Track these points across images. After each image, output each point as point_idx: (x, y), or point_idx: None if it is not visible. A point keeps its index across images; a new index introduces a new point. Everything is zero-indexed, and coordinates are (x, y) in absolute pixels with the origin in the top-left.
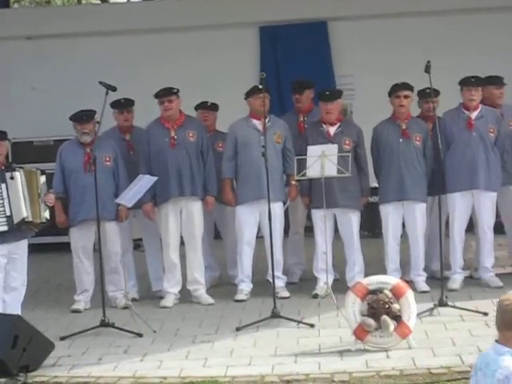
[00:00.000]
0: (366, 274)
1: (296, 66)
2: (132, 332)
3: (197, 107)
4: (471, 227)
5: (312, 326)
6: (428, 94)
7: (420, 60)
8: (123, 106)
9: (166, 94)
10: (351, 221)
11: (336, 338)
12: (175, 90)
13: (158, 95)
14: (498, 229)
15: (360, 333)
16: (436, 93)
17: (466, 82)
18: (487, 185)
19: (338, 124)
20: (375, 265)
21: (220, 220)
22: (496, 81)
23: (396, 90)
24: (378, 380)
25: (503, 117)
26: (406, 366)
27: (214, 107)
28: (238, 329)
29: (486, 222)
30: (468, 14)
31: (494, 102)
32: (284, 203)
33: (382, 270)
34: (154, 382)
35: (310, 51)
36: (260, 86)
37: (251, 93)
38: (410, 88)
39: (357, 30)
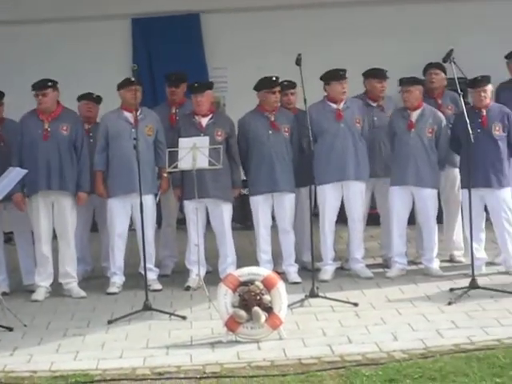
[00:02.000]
0: (239, 266)
1: (169, 59)
2: (2, 326)
3: (80, 98)
4: (344, 218)
5: (184, 318)
6: (287, 86)
7: (292, 53)
8: None
9: (39, 88)
10: (223, 212)
11: (208, 329)
12: (50, 83)
13: (33, 87)
14: (371, 220)
15: (231, 324)
16: (293, 85)
17: (334, 77)
18: (356, 175)
19: (210, 116)
20: (247, 257)
21: (99, 212)
22: (378, 74)
23: (266, 84)
24: (249, 371)
25: (384, 109)
26: (277, 356)
27: (98, 100)
28: (109, 322)
29: (355, 213)
30: (335, 7)
31: (376, 95)
32: (156, 195)
33: (255, 262)
34: (24, 377)
35: (183, 43)
36: (132, 79)
37: (123, 85)
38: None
39: (230, 23)
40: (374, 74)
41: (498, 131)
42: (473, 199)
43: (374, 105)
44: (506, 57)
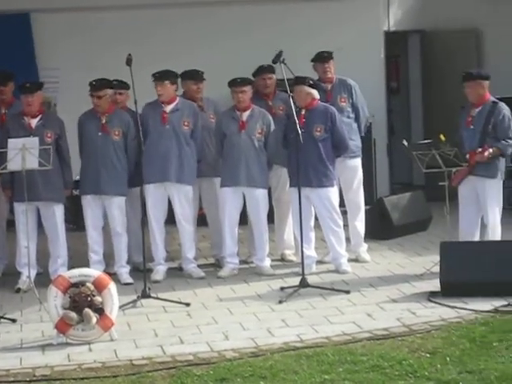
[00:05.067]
0: (71, 267)
1: None
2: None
3: None
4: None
5: (14, 321)
6: (117, 86)
7: (121, 54)
8: None
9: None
10: (55, 214)
11: (38, 332)
12: None
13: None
14: (202, 221)
15: (62, 326)
16: (125, 85)
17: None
18: (179, 178)
19: (40, 116)
20: (80, 258)
21: None
22: (194, 76)
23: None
24: (80, 373)
25: (203, 110)
26: (108, 358)
27: None
28: None
29: (182, 214)
30: (163, 8)
31: (194, 96)
32: None
33: (87, 263)
34: None
35: (12, 43)
36: None
37: None
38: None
39: (61, 23)
40: (190, 76)
41: (319, 132)
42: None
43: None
44: (312, 60)
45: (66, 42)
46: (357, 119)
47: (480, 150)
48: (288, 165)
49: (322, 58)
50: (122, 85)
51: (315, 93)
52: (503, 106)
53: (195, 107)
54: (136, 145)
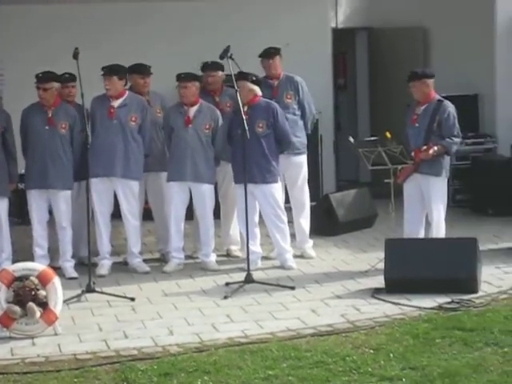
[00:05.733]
0: (15, 261)
1: None
2: None
3: None
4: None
5: None
6: (67, 79)
7: (69, 47)
8: None
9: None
10: None
11: None
12: None
13: None
14: (147, 215)
15: (5, 320)
16: (73, 77)
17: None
18: (125, 173)
19: None
20: (24, 252)
21: None
22: (141, 70)
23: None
24: (23, 367)
25: (150, 104)
26: (52, 352)
27: None
28: None
29: (128, 209)
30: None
31: (140, 91)
32: None
33: (32, 257)
34: None
35: None
36: None
37: None
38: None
39: (6, 14)
40: (137, 70)
41: (261, 128)
42: (244, 194)
43: None
44: (259, 56)
45: (11, 34)
46: (303, 116)
47: (425, 147)
48: (232, 161)
49: (267, 54)
50: (71, 77)
51: (257, 89)
52: (448, 104)
53: (144, 102)
54: (82, 138)
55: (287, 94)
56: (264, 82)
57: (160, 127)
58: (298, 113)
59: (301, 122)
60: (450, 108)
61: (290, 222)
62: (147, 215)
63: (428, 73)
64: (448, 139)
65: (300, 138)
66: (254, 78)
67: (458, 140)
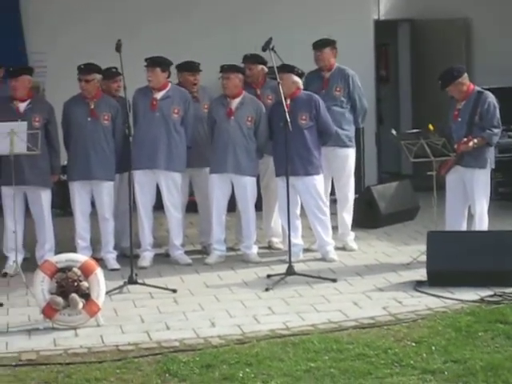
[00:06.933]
0: (58, 253)
1: None
2: None
3: None
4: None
5: (0, 304)
6: (115, 74)
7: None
8: None
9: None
10: (41, 199)
11: (25, 316)
12: None
13: None
14: (191, 207)
15: (48, 311)
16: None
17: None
18: (167, 165)
19: (29, 101)
20: (67, 243)
21: None
22: (191, 67)
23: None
24: (66, 358)
25: (198, 100)
26: (95, 343)
27: None
28: None
29: (170, 201)
30: None
31: (190, 88)
32: None
33: (74, 249)
34: None
35: (2, 27)
36: None
37: None
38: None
39: (50, 7)
40: (187, 67)
41: (304, 120)
42: (285, 187)
43: None
44: (313, 47)
45: (54, 26)
46: (353, 110)
47: (465, 139)
48: (274, 153)
49: (315, 46)
50: (114, 73)
51: (300, 82)
52: (488, 94)
53: (187, 94)
54: (125, 130)
55: (337, 86)
56: (315, 74)
57: (206, 122)
58: (347, 106)
59: (349, 115)
60: (490, 98)
61: (334, 213)
62: (192, 207)
63: (457, 73)
64: (488, 130)
65: (347, 131)
66: (299, 71)
67: (497, 131)
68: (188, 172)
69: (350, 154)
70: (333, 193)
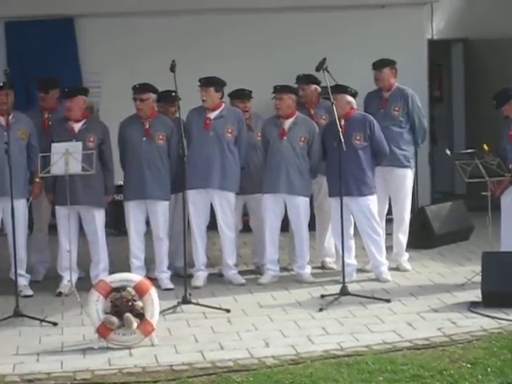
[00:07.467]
0: (111, 272)
1: (42, 63)
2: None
3: None
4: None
5: (55, 324)
6: (174, 98)
7: (163, 59)
8: None
9: None
10: (95, 218)
11: (79, 336)
12: None
13: None
14: (245, 227)
15: (103, 331)
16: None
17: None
18: (221, 184)
19: (83, 121)
20: (120, 262)
21: None
22: (242, 95)
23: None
24: (121, 377)
25: (251, 128)
26: (149, 363)
27: None
28: None
29: (224, 220)
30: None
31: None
32: (28, 200)
33: (128, 268)
34: None
35: (57, 47)
36: (0, 84)
37: None
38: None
39: (104, 28)
40: (238, 96)
41: (358, 140)
42: (339, 207)
43: None
44: (373, 67)
45: (108, 47)
46: (412, 130)
47: None
48: (327, 173)
49: (374, 66)
50: (174, 97)
51: (354, 102)
52: None
53: (240, 114)
54: (179, 150)
55: (395, 106)
56: (374, 93)
57: (259, 150)
58: (406, 126)
59: (408, 136)
60: None
61: (390, 234)
62: (246, 227)
63: (509, 93)
64: None
65: (405, 152)
66: (352, 91)
67: None
68: (242, 198)
69: (408, 174)
70: (389, 212)
